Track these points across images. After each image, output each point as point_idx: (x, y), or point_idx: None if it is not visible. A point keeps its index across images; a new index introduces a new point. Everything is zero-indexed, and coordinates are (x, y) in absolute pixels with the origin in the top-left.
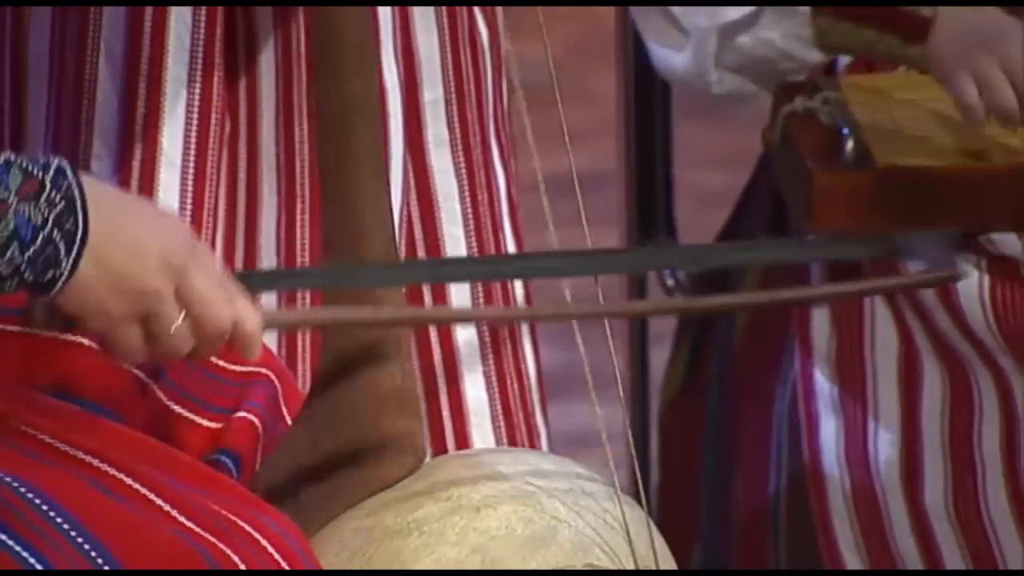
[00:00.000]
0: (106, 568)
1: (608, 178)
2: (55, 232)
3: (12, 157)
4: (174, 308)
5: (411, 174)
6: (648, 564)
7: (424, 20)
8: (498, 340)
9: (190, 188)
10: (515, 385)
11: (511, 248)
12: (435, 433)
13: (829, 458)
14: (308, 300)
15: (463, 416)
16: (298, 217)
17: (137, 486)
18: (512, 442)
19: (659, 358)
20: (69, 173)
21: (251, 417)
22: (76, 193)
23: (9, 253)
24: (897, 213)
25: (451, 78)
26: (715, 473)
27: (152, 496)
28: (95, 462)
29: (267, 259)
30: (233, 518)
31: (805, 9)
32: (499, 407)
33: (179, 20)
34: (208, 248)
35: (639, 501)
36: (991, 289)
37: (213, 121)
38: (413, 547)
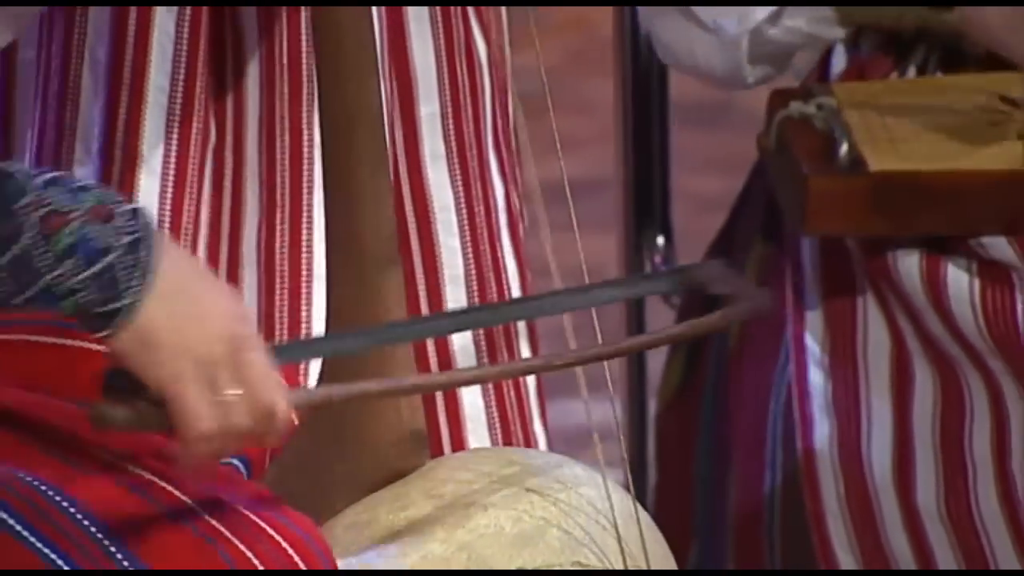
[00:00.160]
0: (128, 567)
1: (606, 184)
2: (121, 260)
3: (91, 184)
4: (234, 380)
5: (408, 187)
6: (640, 565)
7: (420, 35)
8: (494, 347)
9: (169, 194)
10: (512, 392)
11: (509, 259)
12: (432, 440)
13: (823, 458)
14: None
15: (459, 423)
16: (277, 226)
17: (170, 488)
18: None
19: (656, 361)
20: (144, 215)
21: None
22: (149, 233)
23: (70, 265)
24: (889, 217)
25: (447, 92)
26: (710, 473)
27: (184, 498)
28: (130, 467)
29: (248, 267)
30: (256, 519)
31: None
32: (495, 413)
33: (162, 31)
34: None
35: (635, 503)
36: (981, 293)
37: (195, 130)
38: (401, 543)
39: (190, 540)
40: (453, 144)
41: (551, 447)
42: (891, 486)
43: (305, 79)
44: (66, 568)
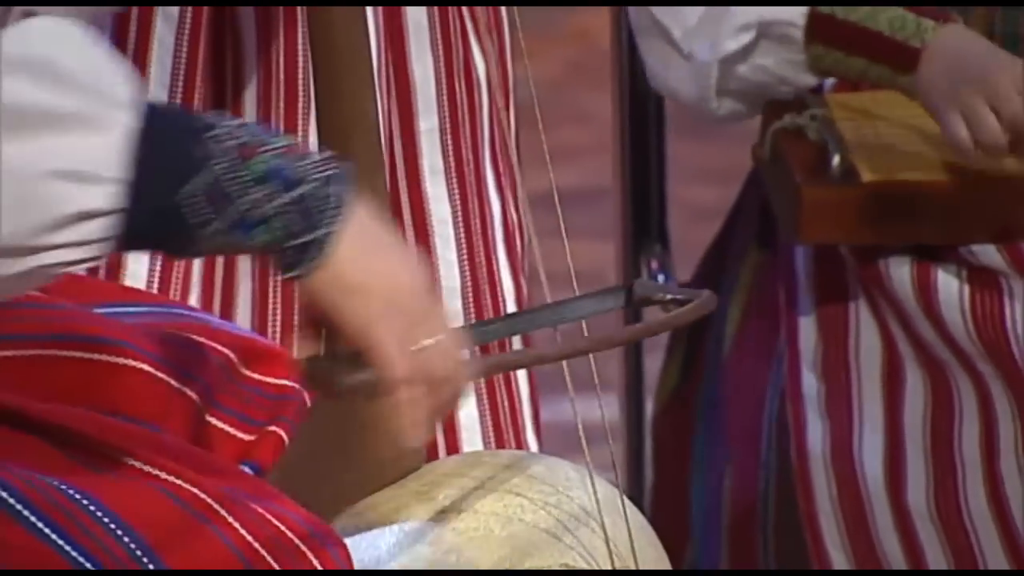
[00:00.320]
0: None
1: (604, 193)
2: (316, 192)
3: (282, 133)
4: (425, 331)
5: (407, 200)
6: (630, 568)
7: (420, 53)
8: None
9: None
10: (506, 402)
11: (504, 272)
12: (428, 449)
13: (816, 460)
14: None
15: (455, 432)
16: None
17: (203, 495)
18: None
19: (653, 362)
20: (336, 161)
21: (281, 432)
22: (342, 175)
23: (265, 191)
24: (881, 225)
25: (446, 109)
26: (706, 474)
27: (216, 506)
28: (162, 474)
29: (244, 281)
30: (278, 524)
31: (799, 36)
32: (489, 423)
33: (162, 45)
34: None
35: (623, 504)
36: (971, 298)
37: None
38: (390, 544)
39: (220, 548)
40: (451, 159)
41: (544, 449)
42: (883, 487)
43: (301, 91)
44: (89, 567)
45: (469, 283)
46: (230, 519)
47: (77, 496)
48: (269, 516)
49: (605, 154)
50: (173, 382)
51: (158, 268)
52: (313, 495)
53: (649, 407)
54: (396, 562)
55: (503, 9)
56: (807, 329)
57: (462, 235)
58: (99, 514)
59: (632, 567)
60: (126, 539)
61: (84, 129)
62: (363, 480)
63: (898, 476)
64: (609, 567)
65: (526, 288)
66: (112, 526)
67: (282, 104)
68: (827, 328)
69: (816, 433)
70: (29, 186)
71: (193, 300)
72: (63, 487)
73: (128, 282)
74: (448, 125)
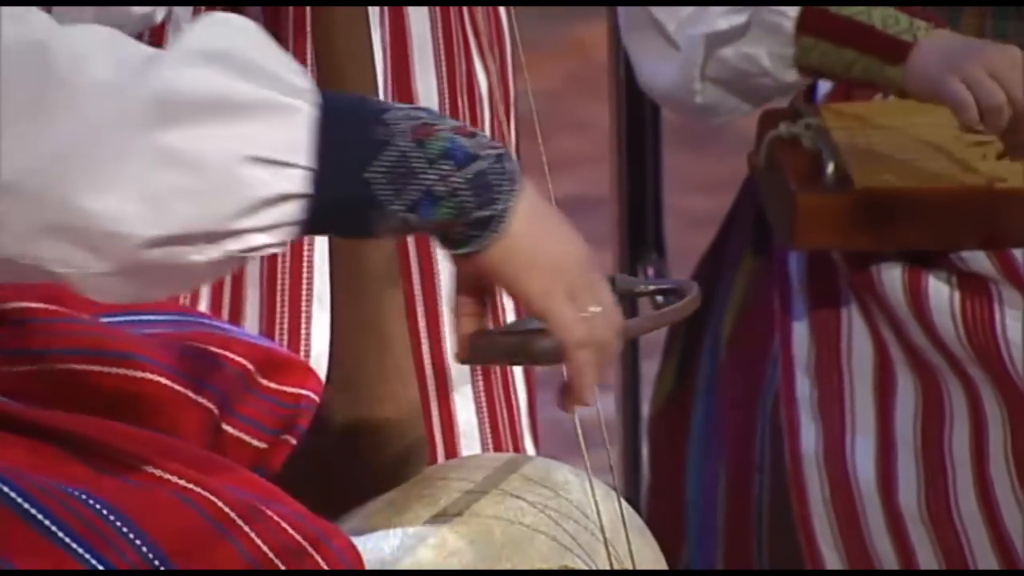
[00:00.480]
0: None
1: (602, 202)
2: (491, 168)
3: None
4: (591, 299)
5: None
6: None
7: (423, 68)
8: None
9: None
10: (504, 410)
11: None
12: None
13: (809, 462)
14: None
15: (454, 438)
16: None
17: (220, 504)
18: None
19: (649, 368)
20: (500, 143)
21: (294, 442)
22: (510, 153)
23: (445, 168)
24: (874, 232)
25: None
26: (701, 476)
27: (232, 514)
28: (182, 482)
29: (252, 287)
30: (293, 533)
31: (790, 28)
32: (488, 430)
33: None
34: None
35: (620, 506)
36: (961, 304)
37: None
38: (393, 547)
39: (235, 559)
40: None
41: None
42: (875, 488)
43: None
44: (100, 568)
45: None
46: (245, 528)
47: (92, 503)
48: (280, 520)
49: (602, 164)
50: (191, 394)
51: None
52: (320, 498)
53: (645, 410)
54: (400, 564)
55: (505, 24)
56: (800, 334)
57: None
58: (118, 523)
59: (630, 568)
60: (144, 548)
61: (273, 116)
62: (368, 483)
63: (890, 478)
64: (608, 568)
65: None
66: (131, 536)
67: None
68: (820, 333)
69: (809, 436)
70: (227, 171)
71: (203, 306)
72: (80, 494)
73: None
74: None
